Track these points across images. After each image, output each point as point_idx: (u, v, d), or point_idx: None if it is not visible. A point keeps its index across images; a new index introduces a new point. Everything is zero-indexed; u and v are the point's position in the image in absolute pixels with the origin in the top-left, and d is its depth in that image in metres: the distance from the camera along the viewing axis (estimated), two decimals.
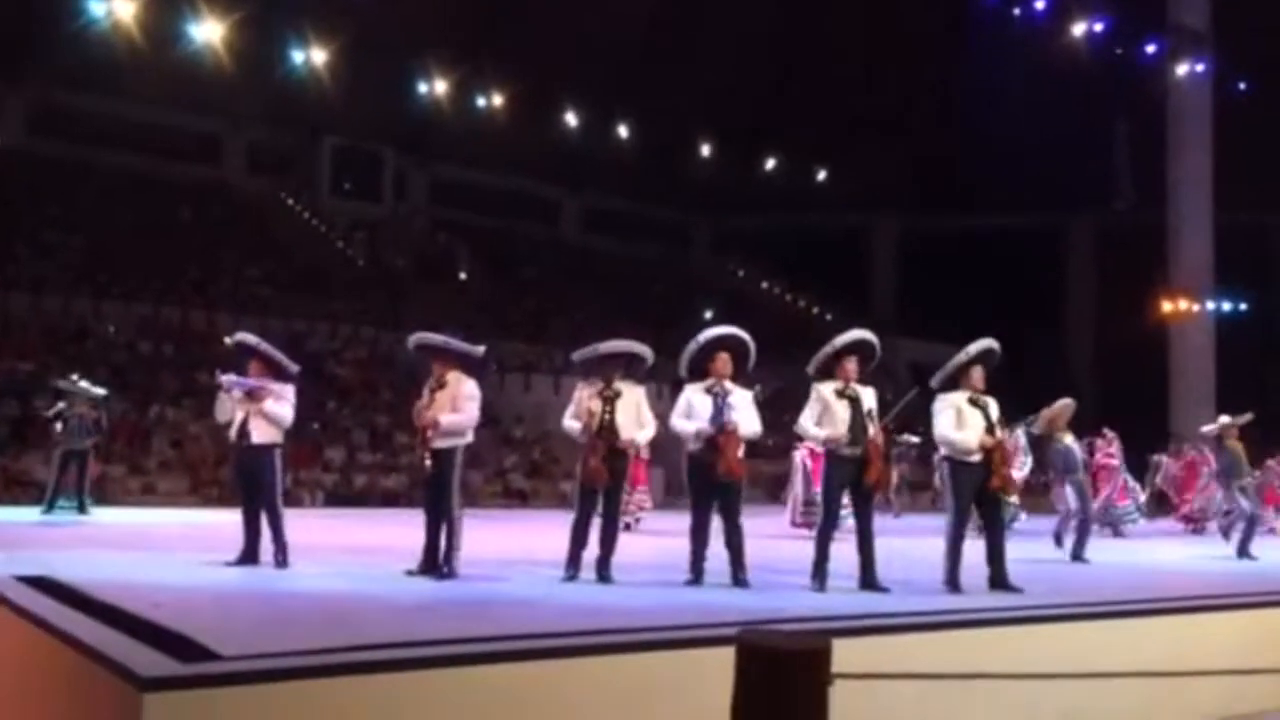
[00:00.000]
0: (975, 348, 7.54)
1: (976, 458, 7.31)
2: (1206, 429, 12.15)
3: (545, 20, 28.52)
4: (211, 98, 28.15)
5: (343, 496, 19.64)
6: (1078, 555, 10.19)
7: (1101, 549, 10.97)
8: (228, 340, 8.04)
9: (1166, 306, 30.43)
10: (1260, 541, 11.39)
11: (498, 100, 29.41)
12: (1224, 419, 11.77)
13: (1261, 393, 31.99)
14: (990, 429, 7.37)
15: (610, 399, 7.35)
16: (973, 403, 7.42)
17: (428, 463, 7.19)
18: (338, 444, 21.42)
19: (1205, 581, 8.38)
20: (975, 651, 5.18)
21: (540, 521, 13.24)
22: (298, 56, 26.21)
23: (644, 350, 7.57)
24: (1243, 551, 10.87)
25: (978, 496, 7.41)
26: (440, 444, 7.20)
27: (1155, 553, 11.74)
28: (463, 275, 31.94)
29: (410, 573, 7.25)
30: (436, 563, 7.25)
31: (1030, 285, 36.98)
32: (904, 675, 2.79)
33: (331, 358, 24.64)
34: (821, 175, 36.54)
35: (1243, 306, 32.49)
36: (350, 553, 9.04)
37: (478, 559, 8.38)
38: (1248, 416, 11.71)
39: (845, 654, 4.63)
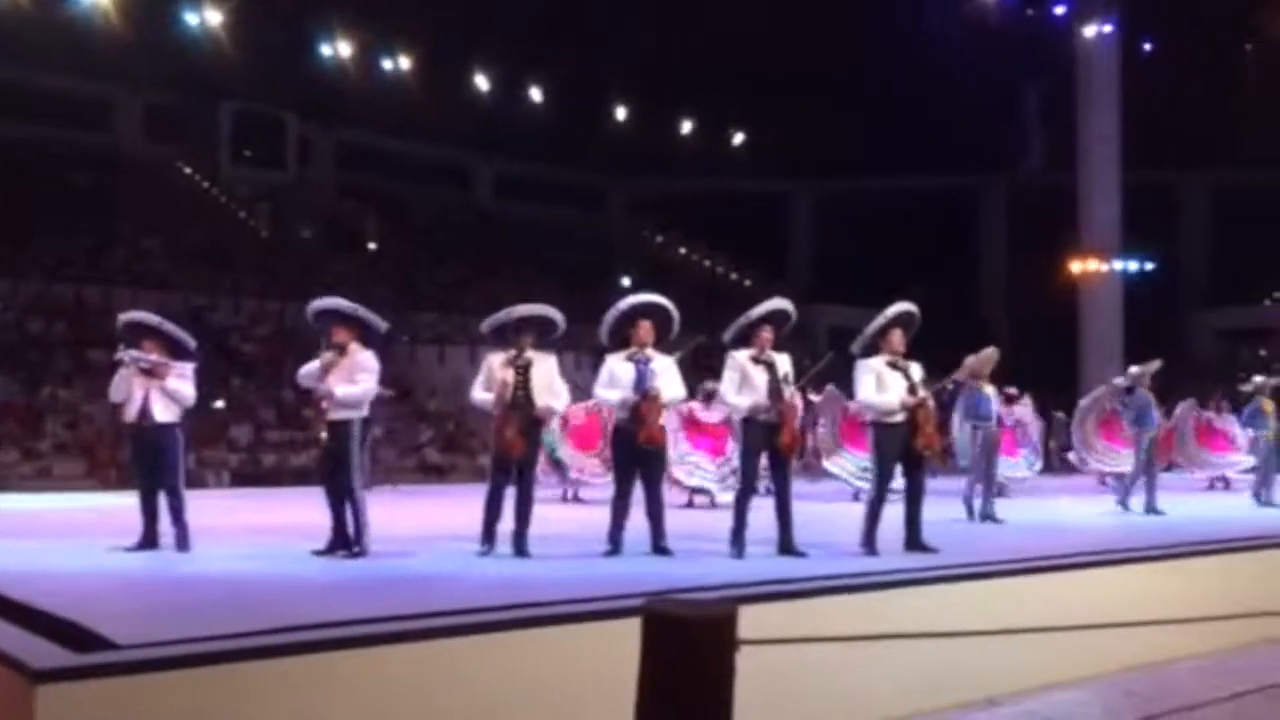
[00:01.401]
0: (892, 311, 7.67)
1: (899, 418, 7.45)
2: (1118, 380, 12.53)
3: None
4: (102, 60, 27.05)
5: (250, 476, 19.27)
6: (988, 514, 10.46)
7: (1009, 508, 11.27)
8: (122, 318, 7.77)
9: (1076, 266, 31.31)
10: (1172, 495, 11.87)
11: (405, 63, 28.86)
12: (1134, 369, 12.20)
13: (1166, 348, 33.25)
14: (912, 389, 7.51)
15: (523, 368, 7.30)
16: (893, 366, 7.56)
17: (323, 436, 7.07)
18: (244, 422, 20.99)
19: (1111, 537, 8.68)
20: (888, 612, 5.31)
21: (457, 496, 13.15)
22: (193, 17, 25.35)
23: (556, 314, 7.52)
24: (1151, 507, 11.27)
25: (902, 457, 7.55)
26: (337, 416, 7.08)
27: (1062, 510, 12.11)
28: (372, 245, 31.41)
29: (318, 552, 7.14)
30: (344, 541, 7.16)
31: (945, 247, 37.75)
32: (812, 639, 2.84)
33: (236, 332, 24.07)
34: (738, 139, 36.67)
35: (1149, 265, 33.58)
36: (256, 534, 8.87)
37: (391, 536, 8.30)
38: (1156, 364, 12.14)
39: (759, 619, 4.71)
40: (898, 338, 7.62)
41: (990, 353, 10.71)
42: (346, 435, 7.08)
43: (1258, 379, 13.87)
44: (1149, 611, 5.42)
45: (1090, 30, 29.83)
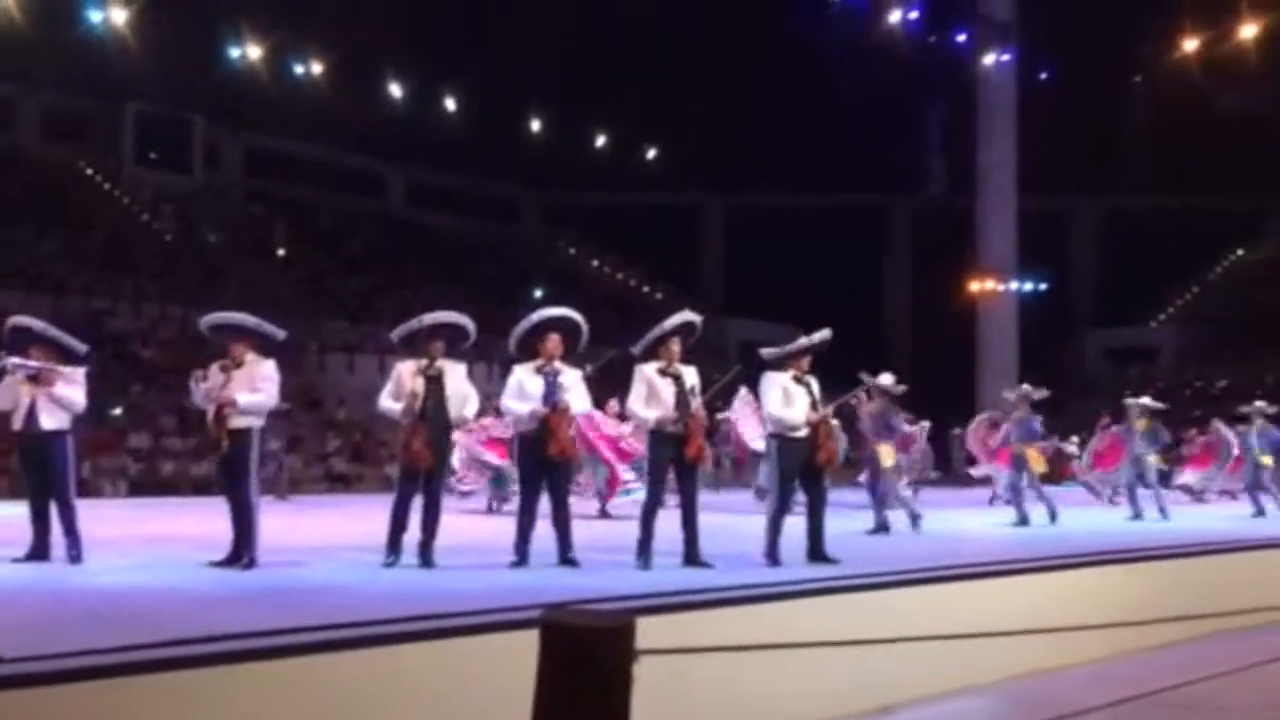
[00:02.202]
0: (817, 337, 7.81)
1: (803, 434, 7.54)
2: (1008, 394, 12.89)
3: None
4: (2, 58, 26.06)
5: (148, 485, 18.66)
6: (882, 525, 10.57)
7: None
8: (6, 324, 7.46)
9: (974, 285, 32.16)
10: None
11: (317, 68, 28.36)
12: (1025, 387, 12.62)
13: (1057, 366, 34.32)
14: (814, 405, 7.62)
15: (434, 377, 7.20)
16: (797, 380, 7.67)
17: (224, 444, 6.88)
18: (143, 429, 20.33)
19: (1005, 548, 8.88)
20: (790, 622, 5.34)
21: (363, 506, 12.91)
22: (97, 16, 24.55)
23: (467, 323, 7.43)
24: (1022, 519, 11.59)
25: (803, 472, 7.63)
26: (237, 423, 6.89)
27: (957, 521, 12.40)
28: (281, 251, 30.76)
29: (215, 564, 6.93)
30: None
31: (853, 264, 38.43)
32: (710, 649, 2.83)
33: (137, 338, 23.32)
34: (652, 153, 36.86)
35: (1042, 286, 34.68)
36: (151, 544, 8.58)
37: (293, 546, 8.12)
38: (1044, 392, 12.57)
39: (662, 630, 4.71)
40: (808, 361, 7.76)
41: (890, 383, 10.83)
42: (246, 444, 6.90)
43: (1130, 401, 14.45)
44: (1040, 620, 5.57)
45: (989, 59, 30.74)
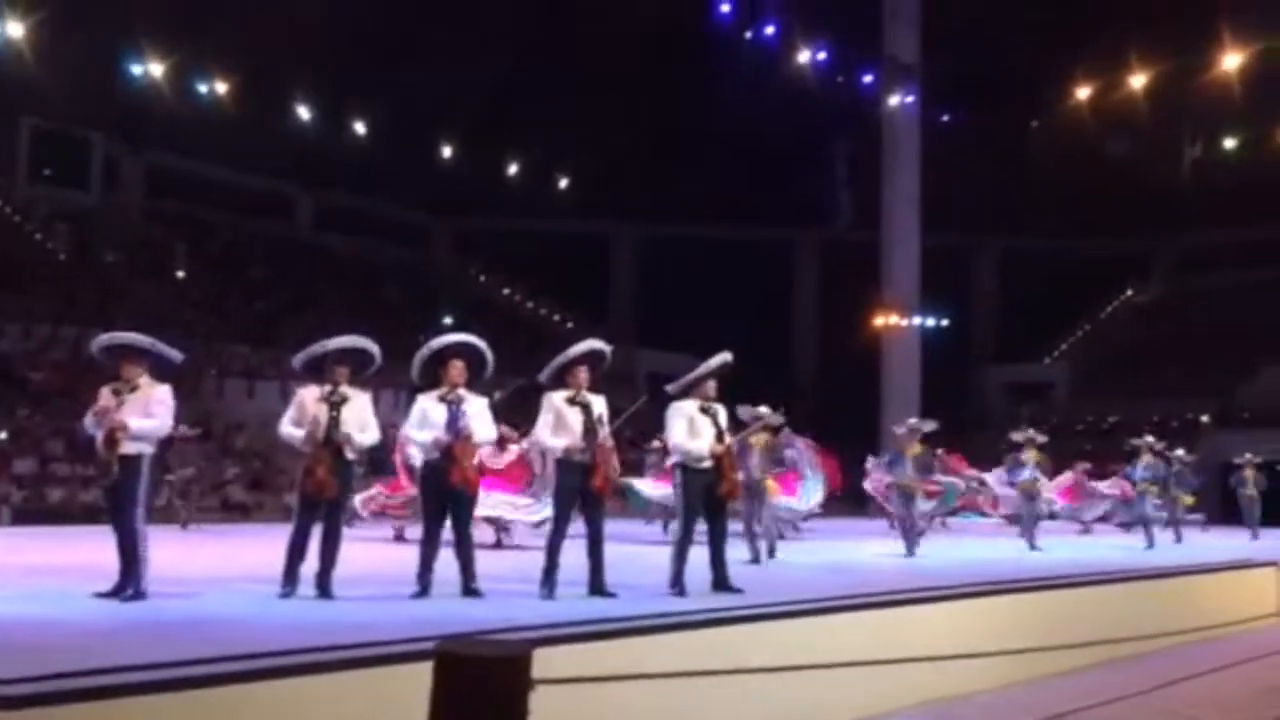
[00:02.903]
0: (714, 362, 7.82)
1: (707, 464, 7.55)
2: (898, 428, 13.15)
3: (272, 4, 27.15)
4: None
5: (34, 513, 17.86)
6: (756, 560, 10.45)
7: (807, 549, 11.65)
8: None
9: (879, 320, 32.83)
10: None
11: (222, 87, 27.77)
12: (912, 421, 12.91)
13: (956, 400, 35.19)
14: (719, 436, 7.64)
15: (337, 404, 7.03)
16: (704, 410, 7.69)
17: (114, 470, 6.60)
18: (29, 454, 19.49)
19: (905, 577, 9.00)
20: (692, 651, 5.32)
21: (262, 536, 12.54)
22: None
23: (372, 348, 7.27)
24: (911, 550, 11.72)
25: (706, 502, 7.63)
26: (128, 449, 6.62)
27: (856, 551, 12.58)
28: (181, 273, 29.93)
29: (101, 594, 6.63)
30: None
31: (761, 296, 38.91)
32: (609, 678, 2.79)
33: (26, 360, 22.40)
34: (563, 182, 36.91)
35: (944, 322, 35.57)
36: (36, 574, 8.19)
37: (186, 577, 7.83)
38: (932, 424, 12.89)
39: (561, 660, 4.64)
40: (713, 386, 7.77)
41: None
42: (136, 470, 6.62)
43: (1016, 435, 14.93)
44: (940, 648, 5.64)
45: (894, 100, 31.57)
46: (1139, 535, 14.77)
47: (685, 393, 7.81)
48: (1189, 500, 16.50)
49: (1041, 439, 14.90)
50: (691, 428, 7.60)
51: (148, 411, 6.65)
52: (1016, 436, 14.92)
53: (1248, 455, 18.41)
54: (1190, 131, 32.99)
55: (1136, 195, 34.83)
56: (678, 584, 7.41)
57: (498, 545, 12.23)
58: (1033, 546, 13.39)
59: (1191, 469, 17.34)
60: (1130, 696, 6.83)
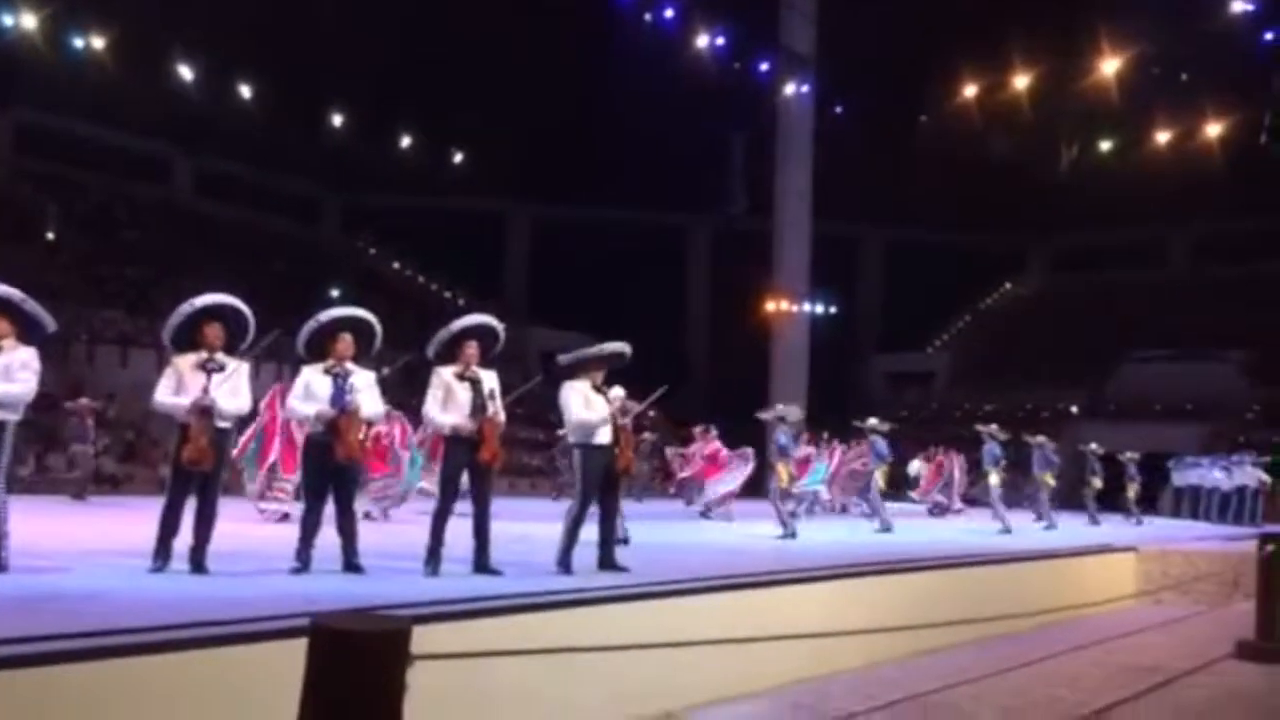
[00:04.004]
0: (611, 348, 7.85)
1: (605, 439, 7.59)
2: (763, 414, 13.41)
3: None
4: None
5: None
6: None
7: (707, 530, 11.81)
8: None
9: (770, 305, 33.33)
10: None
11: (98, 43, 26.54)
12: (779, 407, 13.22)
13: (843, 387, 36.01)
14: (615, 414, 7.69)
15: (213, 372, 6.82)
16: (595, 389, 7.73)
17: None
18: None
19: (785, 558, 9.21)
20: (576, 629, 5.36)
21: (133, 509, 12.12)
22: None
23: (240, 306, 7.04)
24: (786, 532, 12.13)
25: (602, 480, 7.66)
26: None
27: (743, 533, 12.82)
28: (50, 235, 28.59)
29: None
30: None
31: (654, 280, 39.12)
32: (487, 653, 2.79)
33: None
34: (458, 158, 36.42)
35: (833, 309, 36.31)
36: None
37: (53, 550, 7.54)
38: (797, 412, 13.36)
39: (442, 637, 4.62)
40: (600, 374, 7.82)
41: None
42: None
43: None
44: (818, 626, 5.79)
45: (789, 89, 31.98)
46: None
47: (575, 373, 7.82)
48: (1051, 481, 17.17)
49: (886, 426, 15.47)
50: (587, 403, 7.63)
51: (10, 376, 6.33)
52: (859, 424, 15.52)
53: (1093, 445, 19.19)
54: (1068, 133, 34.30)
55: (1017, 193, 36.09)
56: (565, 561, 7.44)
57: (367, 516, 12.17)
58: (887, 529, 13.91)
59: (1053, 454, 18.05)
60: (990, 675, 7.10)
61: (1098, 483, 18.70)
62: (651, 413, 13.08)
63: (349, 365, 7.18)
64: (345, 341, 7.17)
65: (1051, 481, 16.93)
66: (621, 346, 7.91)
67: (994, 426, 16.27)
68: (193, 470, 6.70)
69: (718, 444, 16.10)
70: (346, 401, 7.00)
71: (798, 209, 33.14)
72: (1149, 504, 22.29)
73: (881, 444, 15.03)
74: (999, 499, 15.63)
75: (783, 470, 12.44)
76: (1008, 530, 14.69)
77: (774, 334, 33.33)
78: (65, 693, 3.74)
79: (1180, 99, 29.14)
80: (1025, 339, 37.76)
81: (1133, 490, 19.59)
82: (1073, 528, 16.54)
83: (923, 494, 20.48)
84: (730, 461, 15.51)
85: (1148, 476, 21.02)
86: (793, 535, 11.93)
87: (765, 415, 13.21)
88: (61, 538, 8.85)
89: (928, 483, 20.23)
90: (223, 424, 6.86)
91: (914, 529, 14.62)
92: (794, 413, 13.21)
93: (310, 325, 7.25)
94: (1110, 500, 19.39)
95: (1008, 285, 43.86)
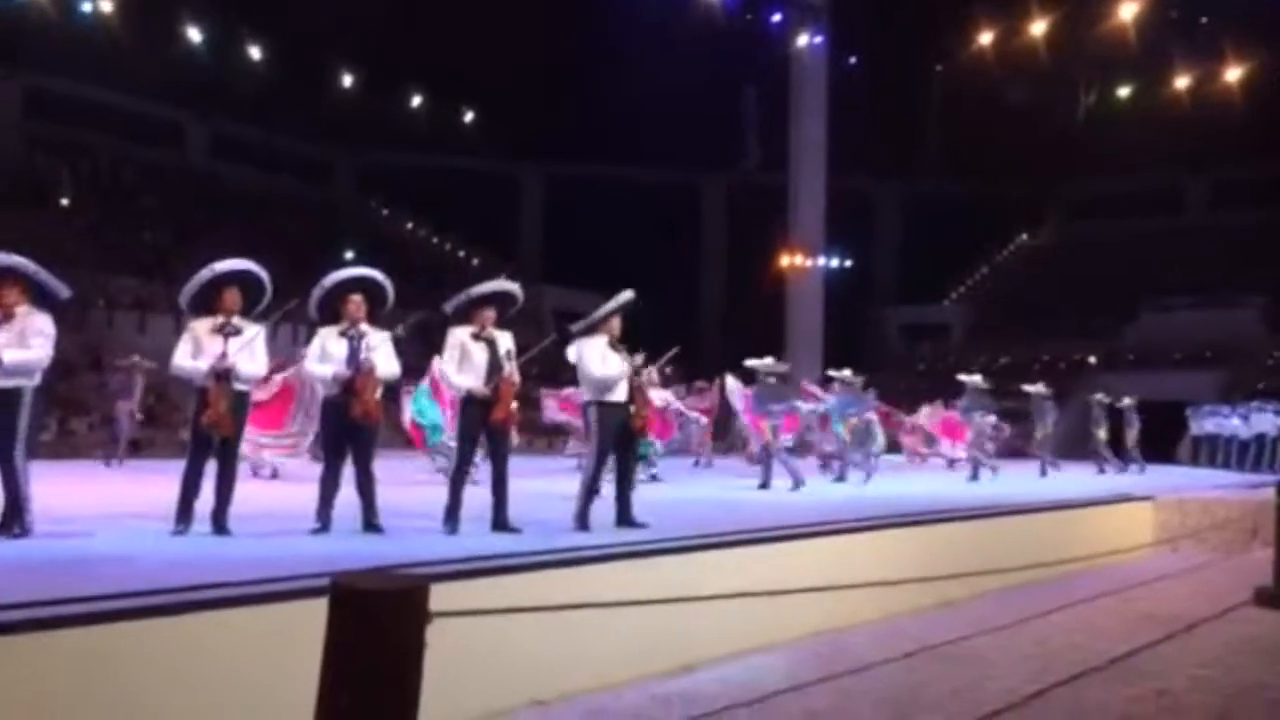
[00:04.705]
0: (619, 300, 7.82)
1: (621, 396, 7.59)
2: (754, 362, 13.33)
3: None
4: None
5: None
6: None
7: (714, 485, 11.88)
8: None
9: (785, 261, 33.19)
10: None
11: (106, 6, 26.42)
12: (768, 360, 13.19)
13: (858, 341, 35.94)
14: (635, 370, 7.70)
15: (231, 336, 6.84)
16: (613, 347, 7.72)
17: None
18: None
19: (796, 512, 9.23)
20: (595, 586, 5.39)
21: (155, 473, 12.23)
22: None
23: (259, 272, 7.07)
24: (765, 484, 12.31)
25: (619, 437, 7.67)
26: (5, 383, 6.35)
27: (757, 489, 12.89)
28: (64, 200, 28.67)
29: None
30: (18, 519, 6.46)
31: (668, 238, 38.98)
32: (503, 610, 2.81)
33: None
34: (469, 116, 36.23)
35: (848, 263, 36.12)
36: None
37: (77, 514, 7.63)
38: (783, 366, 13.50)
39: (461, 595, 4.66)
40: (618, 324, 7.78)
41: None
42: (15, 404, 6.33)
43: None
44: (834, 579, 5.81)
45: (801, 40, 31.59)
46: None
47: (591, 331, 7.81)
48: (1101, 436, 17.94)
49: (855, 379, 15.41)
50: (604, 360, 7.63)
51: (25, 342, 6.36)
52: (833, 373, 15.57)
53: (1098, 395, 19.23)
54: (1085, 80, 33.81)
55: (1034, 141, 35.66)
56: (583, 519, 7.47)
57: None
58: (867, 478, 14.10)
59: (1053, 405, 18.26)
60: (1009, 626, 7.14)
61: (1103, 433, 18.70)
62: (668, 370, 13.08)
63: (363, 326, 7.19)
64: (356, 302, 7.18)
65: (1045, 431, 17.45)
66: (627, 295, 7.86)
67: (977, 377, 16.50)
68: (212, 434, 6.75)
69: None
70: (362, 360, 7.03)
71: (812, 163, 32.87)
72: (1164, 452, 22.22)
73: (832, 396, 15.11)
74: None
75: (766, 426, 12.54)
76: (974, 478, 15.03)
77: (789, 289, 33.22)
78: (93, 654, 3.79)
79: (1199, 42, 28.65)
80: (1042, 290, 37.54)
81: (1131, 436, 19.45)
82: (1084, 478, 16.55)
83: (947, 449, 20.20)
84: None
85: (1161, 424, 20.92)
86: (801, 483, 12.15)
87: (755, 364, 13.22)
88: (85, 502, 8.95)
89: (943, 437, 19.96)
90: (241, 387, 6.90)
91: (937, 482, 14.64)
92: (780, 366, 13.21)
93: (320, 288, 7.26)
94: (1111, 448, 19.36)
95: (1024, 236, 43.54)
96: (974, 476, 15.04)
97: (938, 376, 31.70)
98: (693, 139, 36.24)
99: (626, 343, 7.88)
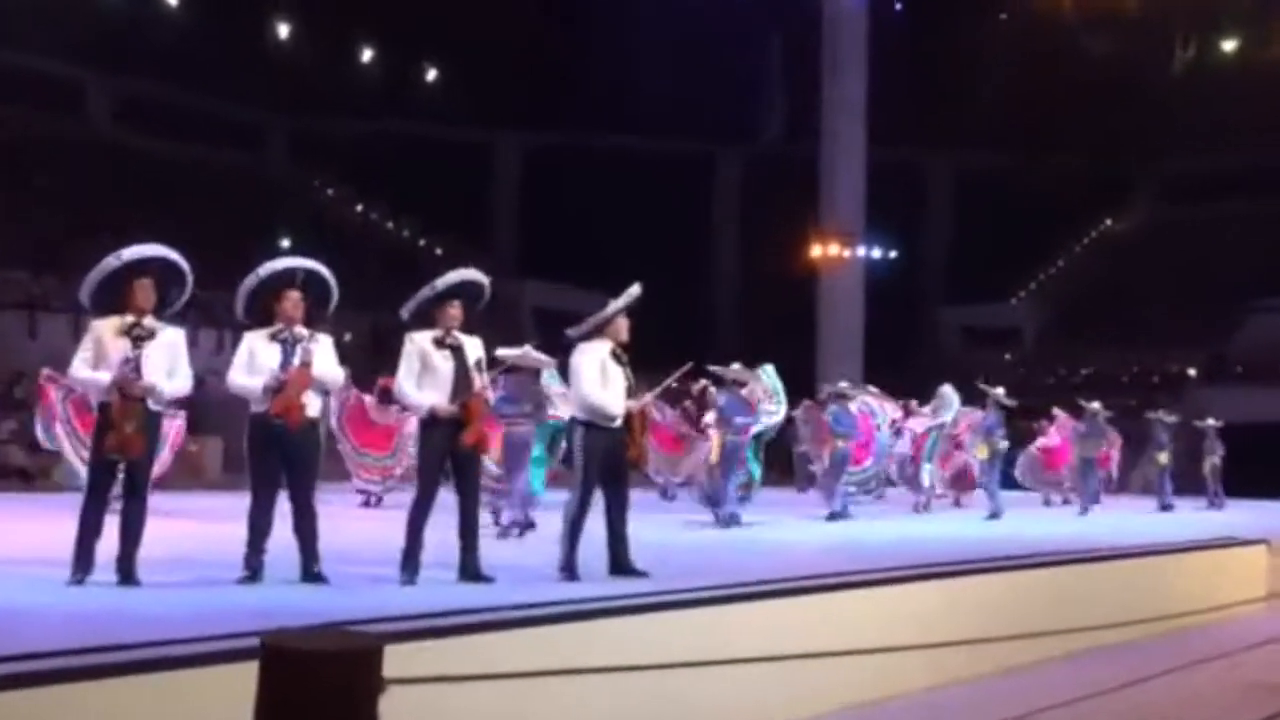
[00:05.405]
0: (626, 297, 7.88)
1: (617, 423, 7.63)
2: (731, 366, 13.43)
3: None
4: None
5: None
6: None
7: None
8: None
9: (816, 250, 33.21)
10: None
11: None
12: (735, 366, 13.30)
13: (908, 345, 35.95)
14: (630, 391, 7.76)
15: (141, 338, 6.84)
16: (616, 358, 7.74)
17: None
18: None
19: (829, 558, 9.24)
20: (585, 646, 5.39)
21: (49, 508, 12.23)
22: None
23: (177, 259, 7.10)
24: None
25: (608, 468, 7.71)
26: None
27: (785, 528, 12.92)
28: None
29: None
30: None
31: (672, 222, 38.98)
32: (478, 676, 2.82)
33: None
34: (431, 74, 36.31)
35: (893, 253, 36.14)
36: None
37: None
38: (739, 368, 13.37)
39: (420, 657, 4.66)
40: (625, 326, 7.81)
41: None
42: None
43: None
44: (873, 640, 5.82)
45: None
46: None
47: (591, 336, 7.84)
48: (1162, 461, 18.34)
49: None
50: (604, 377, 7.64)
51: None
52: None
53: (1160, 414, 19.61)
54: (1183, 31, 33.87)
55: (1118, 106, 35.70)
56: (569, 566, 7.50)
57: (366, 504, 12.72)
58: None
59: (1169, 430, 18.93)
60: (1093, 696, 7.14)
61: (1216, 459, 19.05)
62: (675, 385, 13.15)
63: (300, 329, 7.20)
64: (293, 300, 7.20)
65: (1163, 461, 18.46)
66: (635, 290, 7.89)
67: (1096, 404, 17.77)
68: (117, 460, 6.76)
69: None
70: (301, 351, 7.04)
71: (849, 131, 32.93)
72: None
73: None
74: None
75: (717, 441, 12.71)
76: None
77: (821, 284, 33.26)
78: None
79: None
80: (1130, 286, 37.57)
81: (1209, 464, 19.73)
82: (1187, 515, 16.68)
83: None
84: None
85: (1277, 452, 21.09)
86: (736, 522, 12.30)
87: (721, 371, 13.35)
88: None
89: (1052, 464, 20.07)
90: (154, 406, 6.91)
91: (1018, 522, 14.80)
92: (745, 374, 13.29)
93: (249, 282, 7.28)
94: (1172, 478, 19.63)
95: (1108, 221, 43.57)
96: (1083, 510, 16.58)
97: (1006, 389, 31.63)
98: (704, 102, 36.30)
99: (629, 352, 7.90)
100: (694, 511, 13.24)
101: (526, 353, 10.81)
